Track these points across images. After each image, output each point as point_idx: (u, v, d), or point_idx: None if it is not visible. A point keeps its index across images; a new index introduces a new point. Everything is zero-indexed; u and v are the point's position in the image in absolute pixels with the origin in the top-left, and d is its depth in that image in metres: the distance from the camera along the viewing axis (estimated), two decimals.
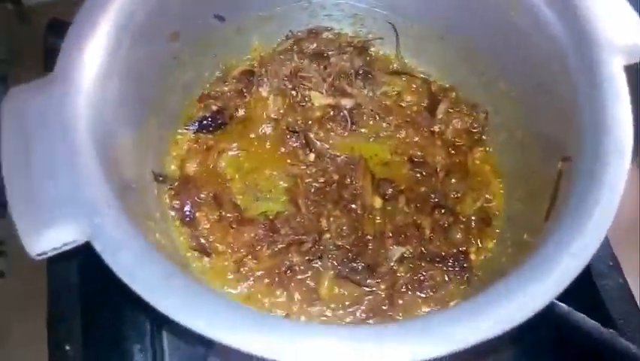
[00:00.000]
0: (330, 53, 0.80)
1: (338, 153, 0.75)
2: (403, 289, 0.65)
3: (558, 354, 0.70)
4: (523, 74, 0.68)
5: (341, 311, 0.65)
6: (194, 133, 0.75)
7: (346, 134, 0.76)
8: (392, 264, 0.66)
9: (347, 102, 0.77)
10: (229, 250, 0.68)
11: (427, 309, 0.65)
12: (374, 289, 0.65)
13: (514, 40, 0.67)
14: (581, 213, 0.50)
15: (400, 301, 0.65)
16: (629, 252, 0.72)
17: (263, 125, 0.76)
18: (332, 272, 0.66)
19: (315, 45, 0.80)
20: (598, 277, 0.67)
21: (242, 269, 0.66)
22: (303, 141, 0.75)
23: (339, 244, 0.68)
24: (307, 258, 0.66)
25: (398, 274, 0.66)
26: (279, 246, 0.67)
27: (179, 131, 0.75)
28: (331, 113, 0.77)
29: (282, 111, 0.77)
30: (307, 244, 0.67)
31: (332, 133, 0.76)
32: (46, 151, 0.50)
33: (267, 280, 0.66)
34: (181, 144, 0.75)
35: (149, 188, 0.67)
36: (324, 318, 0.64)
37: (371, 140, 0.76)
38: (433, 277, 0.66)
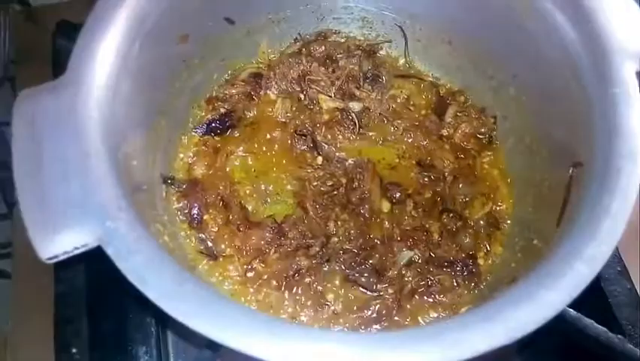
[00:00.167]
0: (338, 56, 0.80)
1: (346, 157, 0.75)
2: (410, 294, 0.65)
3: (565, 359, 0.70)
4: (533, 78, 0.68)
5: (349, 315, 0.64)
6: (203, 136, 0.75)
7: (354, 137, 0.76)
8: (400, 268, 0.66)
9: (355, 105, 0.77)
10: (237, 254, 0.68)
11: (435, 314, 0.65)
12: (382, 293, 0.65)
13: (524, 44, 0.67)
14: (593, 220, 0.49)
15: (408, 306, 0.65)
16: (638, 258, 0.71)
17: (271, 128, 0.76)
18: (340, 276, 0.66)
19: (323, 48, 0.80)
20: (606, 283, 0.67)
21: (249, 273, 0.66)
22: (311, 144, 0.75)
23: (347, 247, 0.67)
24: (315, 261, 0.66)
25: (406, 279, 0.66)
26: (287, 249, 0.67)
27: (188, 133, 0.75)
28: (339, 116, 0.77)
29: (290, 114, 0.77)
30: (315, 247, 0.67)
31: (340, 136, 0.76)
32: (57, 154, 0.50)
33: (274, 284, 0.66)
34: (189, 146, 0.75)
35: (157, 191, 0.67)
36: (332, 322, 0.64)
37: (379, 143, 0.76)
38: (442, 282, 0.66)
